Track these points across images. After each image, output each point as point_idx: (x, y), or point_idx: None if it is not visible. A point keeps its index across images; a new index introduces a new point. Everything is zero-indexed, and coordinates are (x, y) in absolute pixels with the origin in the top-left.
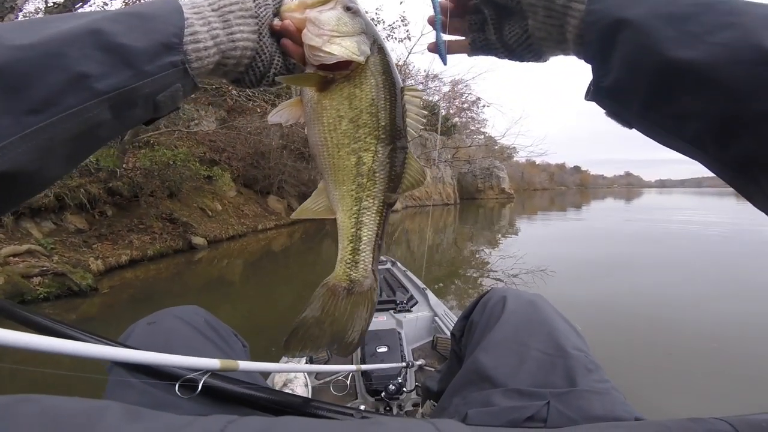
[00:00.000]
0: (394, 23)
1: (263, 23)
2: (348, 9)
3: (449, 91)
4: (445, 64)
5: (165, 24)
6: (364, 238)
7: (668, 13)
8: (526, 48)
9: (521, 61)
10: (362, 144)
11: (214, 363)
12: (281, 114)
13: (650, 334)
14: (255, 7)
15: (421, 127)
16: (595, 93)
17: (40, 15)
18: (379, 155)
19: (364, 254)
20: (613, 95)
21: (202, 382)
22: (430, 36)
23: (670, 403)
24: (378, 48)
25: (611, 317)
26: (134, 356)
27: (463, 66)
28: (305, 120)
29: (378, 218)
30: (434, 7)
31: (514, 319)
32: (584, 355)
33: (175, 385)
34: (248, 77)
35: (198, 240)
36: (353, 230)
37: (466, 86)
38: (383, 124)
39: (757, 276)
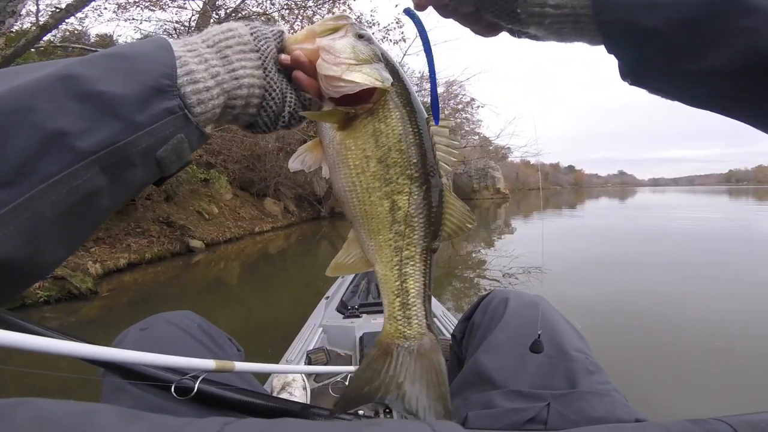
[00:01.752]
0: (389, 25)
1: (266, 57)
2: (360, 36)
3: (444, 92)
4: (437, 123)
5: (151, 64)
6: (412, 290)
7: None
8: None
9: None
10: (395, 186)
11: (209, 364)
12: (302, 160)
13: (651, 332)
14: (254, 40)
15: (454, 160)
16: (630, 81)
17: (46, 18)
18: (415, 197)
19: (415, 308)
20: (645, 85)
21: (197, 382)
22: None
23: (673, 402)
24: (397, 76)
25: (610, 315)
26: (130, 357)
27: (457, 68)
28: (328, 164)
29: (423, 267)
30: (429, 62)
31: (516, 321)
32: (585, 357)
33: (171, 387)
34: (261, 119)
35: (195, 243)
36: (398, 283)
37: (460, 87)
38: (414, 161)
39: (758, 272)
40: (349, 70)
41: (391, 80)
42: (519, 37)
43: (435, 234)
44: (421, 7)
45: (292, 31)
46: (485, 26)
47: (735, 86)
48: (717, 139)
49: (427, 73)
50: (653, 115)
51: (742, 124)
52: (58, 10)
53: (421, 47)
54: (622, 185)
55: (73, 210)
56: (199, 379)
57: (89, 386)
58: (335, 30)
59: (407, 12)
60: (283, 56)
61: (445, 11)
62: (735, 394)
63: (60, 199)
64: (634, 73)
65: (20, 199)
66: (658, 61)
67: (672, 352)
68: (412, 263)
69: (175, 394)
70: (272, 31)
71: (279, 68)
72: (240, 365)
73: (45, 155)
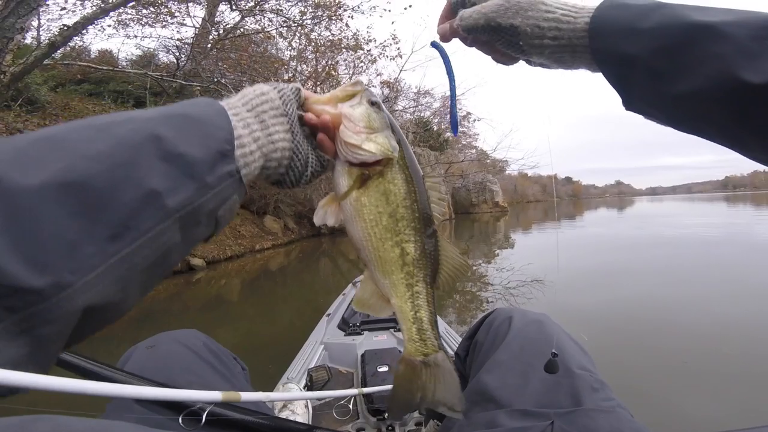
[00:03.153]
0: (385, 41)
1: (293, 121)
2: (373, 104)
3: (440, 107)
4: (456, 134)
5: (215, 129)
6: (424, 318)
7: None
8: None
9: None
10: (403, 236)
11: (215, 395)
12: (324, 216)
13: (658, 339)
14: (282, 105)
15: (444, 210)
16: (626, 107)
17: (54, 36)
18: (419, 243)
19: (428, 332)
20: (637, 109)
21: (205, 414)
22: (420, 54)
23: (687, 409)
24: (400, 141)
25: (617, 323)
26: (136, 392)
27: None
28: (344, 217)
29: (430, 298)
30: (450, 81)
31: (520, 339)
32: (589, 374)
33: (179, 418)
34: (289, 178)
35: (196, 261)
36: (412, 313)
37: (456, 101)
38: (417, 215)
39: (762, 275)
40: (368, 140)
41: (398, 148)
42: (534, 65)
43: (435, 272)
44: (446, 39)
45: (290, 49)
46: (502, 55)
47: (709, 108)
48: (710, 146)
49: (422, 88)
50: (646, 124)
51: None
52: (66, 28)
53: (418, 64)
54: (620, 195)
55: (156, 262)
56: (206, 411)
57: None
58: (353, 95)
59: (434, 45)
60: (309, 115)
61: (468, 42)
62: (747, 399)
63: (150, 253)
64: (625, 98)
65: (123, 251)
66: (642, 86)
67: (681, 358)
68: (421, 297)
69: (183, 425)
70: (292, 90)
71: (303, 130)
72: (246, 395)
73: (144, 211)
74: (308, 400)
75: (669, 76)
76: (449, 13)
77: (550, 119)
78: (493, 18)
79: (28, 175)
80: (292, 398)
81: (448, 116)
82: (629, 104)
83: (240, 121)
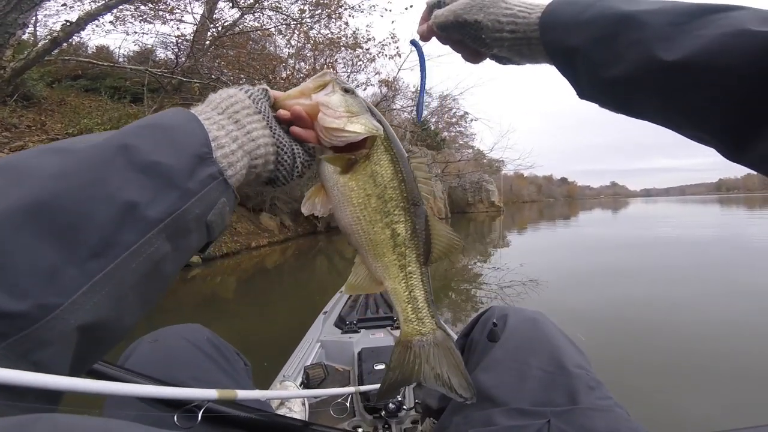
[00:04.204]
0: (384, 40)
1: (268, 116)
2: (346, 91)
3: (438, 107)
4: (419, 121)
5: (188, 135)
6: (419, 297)
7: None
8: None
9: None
10: (393, 217)
11: (211, 393)
12: (312, 204)
13: (655, 338)
14: (253, 104)
15: (431, 189)
16: (579, 96)
17: (54, 33)
18: (409, 223)
19: (424, 311)
20: (588, 97)
21: (201, 412)
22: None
23: (684, 408)
24: (381, 121)
25: (613, 322)
26: (128, 390)
27: (450, 82)
28: (332, 203)
29: (424, 278)
30: (422, 73)
31: (515, 338)
32: (586, 373)
33: (174, 415)
34: (280, 174)
35: (192, 258)
36: (407, 293)
37: (454, 101)
38: (405, 195)
39: (758, 275)
40: (350, 122)
41: (381, 128)
42: (502, 63)
43: (428, 249)
44: (425, 38)
45: (289, 46)
46: (471, 53)
47: (640, 91)
48: (704, 148)
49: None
50: (641, 124)
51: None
52: (68, 24)
53: (414, 63)
54: (614, 196)
55: (147, 275)
56: (202, 409)
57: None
58: (324, 86)
59: (413, 43)
60: (282, 111)
61: (441, 40)
62: (743, 398)
63: (138, 265)
64: (576, 88)
65: (108, 268)
66: (585, 75)
67: (676, 357)
68: (414, 276)
69: (177, 424)
70: (259, 90)
71: (281, 127)
72: (242, 393)
73: (123, 226)
74: (305, 399)
75: (604, 64)
76: (428, 15)
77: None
78: (461, 15)
79: None
80: (288, 396)
81: (418, 107)
82: (581, 93)
83: (213, 124)
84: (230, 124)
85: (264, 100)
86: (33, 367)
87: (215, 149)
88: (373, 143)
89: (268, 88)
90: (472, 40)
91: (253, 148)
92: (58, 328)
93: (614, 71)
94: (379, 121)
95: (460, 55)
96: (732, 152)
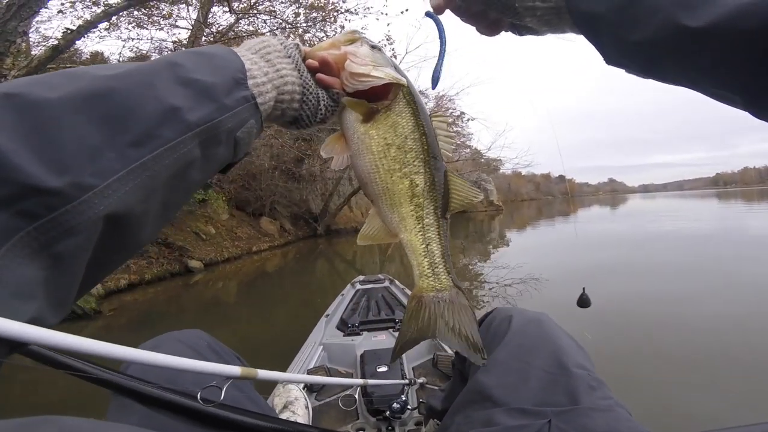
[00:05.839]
0: (379, 42)
1: (297, 61)
2: (373, 47)
3: (435, 107)
4: (434, 88)
5: (227, 62)
6: (436, 251)
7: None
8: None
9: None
10: (411, 167)
11: (235, 370)
12: (332, 148)
13: (660, 335)
14: (284, 49)
15: (453, 148)
16: (606, 62)
17: (54, 40)
18: (428, 175)
19: (441, 266)
20: (614, 62)
21: (224, 389)
22: (415, 54)
23: (691, 405)
24: (406, 78)
25: (618, 319)
26: (153, 359)
27: (447, 82)
28: (351, 151)
29: (441, 231)
30: (440, 36)
31: (518, 338)
32: (587, 373)
33: (197, 395)
34: (305, 113)
35: (194, 263)
36: (423, 246)
37: (450, 101)
38: (425, 147)
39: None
40: (375, 69)
41: (405, 80)
42: (521, 34)
43: (446, 204)
44: (440, 9)
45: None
46: (489, 24)
47: (664, 53)
48: (701, 143)
49: (417, 89)
50: (637, 121)
51: (724, 128)
52: (69, 31)
53: (413, 65)
54: (613, 192)
55: (177, 175)
56: (226, 385)
57: (90, 404)
58: (353, 41)
59: (428, 14)
60: (311, 61)
61: (458, 11)
62: (747, 396)
63: (171, 162)
64: (602, 53)
65: (145, 158)
66: (610, 40)
67: (679, 356)
68: (432, 229)
69: (201, 403)
70: (292, 42)
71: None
72: (263, 373)
73: (165, 123)
74: (308, 402)
75: (626, 28)
76: None
77: (535, 108)
78: None
79: (52, 91)
80: (306, 380)
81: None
82: (608, 59)
83: (248, 60)
84: (262, 62)
85: (294, 49)
86: (52, 262)
87: (249, 78)
88: (396, 95)
89: (300, 44)
90: (502, 9)
91: (281, 83)
92: (87, 214)
93: (637, 36)
94: (405, 77)
95: (474, 28)
96: (759, 109)
